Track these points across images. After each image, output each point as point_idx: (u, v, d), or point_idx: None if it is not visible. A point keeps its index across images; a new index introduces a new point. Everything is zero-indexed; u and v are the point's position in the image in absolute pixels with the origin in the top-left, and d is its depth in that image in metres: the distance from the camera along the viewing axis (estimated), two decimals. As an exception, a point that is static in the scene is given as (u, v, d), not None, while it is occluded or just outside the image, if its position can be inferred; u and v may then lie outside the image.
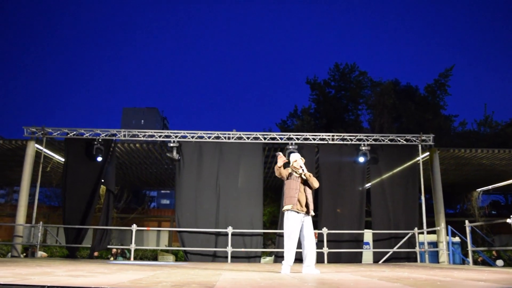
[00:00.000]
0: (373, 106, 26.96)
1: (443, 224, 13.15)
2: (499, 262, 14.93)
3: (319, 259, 12.50)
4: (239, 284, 3.89)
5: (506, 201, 25.57)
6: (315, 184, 6.38)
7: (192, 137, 13.80)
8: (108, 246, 14.16)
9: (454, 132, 27.42)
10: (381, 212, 13.71)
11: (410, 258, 13.28)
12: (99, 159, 13.36)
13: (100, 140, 13.38)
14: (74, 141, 13.72)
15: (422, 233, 13.25)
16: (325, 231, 12.73)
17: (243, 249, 12.83)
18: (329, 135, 14.08)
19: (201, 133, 13.83)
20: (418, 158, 13.98)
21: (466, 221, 11.33)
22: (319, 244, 13.01)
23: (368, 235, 14.95)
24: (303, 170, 6.46)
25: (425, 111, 26.54)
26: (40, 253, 14.24)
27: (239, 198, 13.42)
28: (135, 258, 14.14)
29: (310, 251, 6.23)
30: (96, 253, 14.10)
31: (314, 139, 13.97)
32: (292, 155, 6.87)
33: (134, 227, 12.84)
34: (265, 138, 13.93)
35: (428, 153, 14.15)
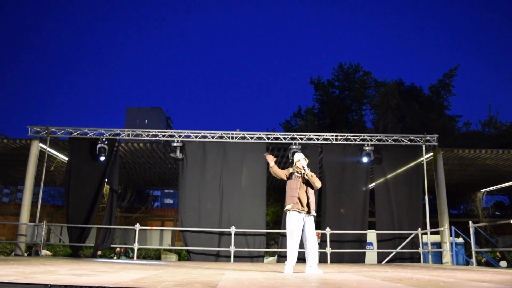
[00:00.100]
0: (377, 106, 26.90)
1: (446, 225, 13.11)
2: (503, 263, 14.86)
3: (322, 259, 12.50)
4: (242, 284, 3.89)
5: (510, 202, 25.46)
6: (317, 184, 6.37)
7: (196, 136, 13.81)
8: (112, 245, 14.19)
9: (458, 132, 27.33)
10: (385, 213, 13.68)
11: (413, 258, 13.25)
12: (103, 158, 13.39)
13: (104, 139, 13.40)
14: (78, 140, 13.75)
15: (426, 233, 13.22)
16: (328, 231, 12.72)
17: (246, 249, 12.83)
18: (332, 135, 14.06)
19: (204, 133, 13.84)
20: (422, 159, 13.94)
21: (470, 222, 11.29)
22: (322, 244, 13.01)
23: (371, 235, 14.91)
24: (305, 170, 6.45)
25: (429, 112, 26.47)
26: (44, 252, 14.28)
27: (242, 198, 13.42)
28: (138, 258, 14.17)
29: (312, 251, 6.22)
30: (99, 252, 14.12)
31: (317, 139, 13.96)
32: (296, 154, 6.87)
33: (138, 227, 12.86)
34: (268, 138, 13.93)
35: (432, 154, 14.11)
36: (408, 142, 14.00)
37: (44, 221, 13.11)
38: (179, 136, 13.66)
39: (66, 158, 14.44)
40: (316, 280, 4.62)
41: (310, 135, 14.05)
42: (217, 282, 3.91)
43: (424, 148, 13.91)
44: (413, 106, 26.45)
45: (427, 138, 13.91)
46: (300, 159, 6.62)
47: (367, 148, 13.51)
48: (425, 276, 5.40)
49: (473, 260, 11.25)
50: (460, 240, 15.87)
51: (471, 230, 11.15)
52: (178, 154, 13.36)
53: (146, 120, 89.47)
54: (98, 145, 13.25)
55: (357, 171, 13.88)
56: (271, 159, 6.57)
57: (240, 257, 12.79)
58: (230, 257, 12.44)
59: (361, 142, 13.85)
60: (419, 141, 13.97)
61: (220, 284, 3.76)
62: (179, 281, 3.87)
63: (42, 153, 13.95)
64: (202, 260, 12.81)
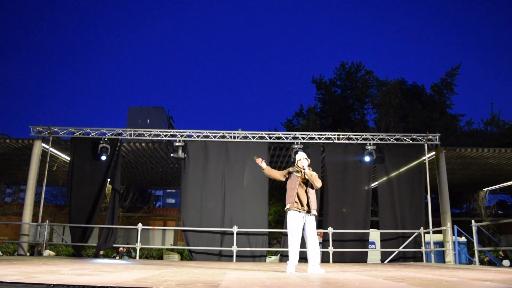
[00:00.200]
0: (379, 106, 26.84)
1: (449, 224, 13.09)
2: (506, 262, 14.84)
3: (325, 258, 12.49)
4: (244, 283, 3.88)
5: (513, 201, 25.41)
6: (317, 184, 6.36)
7: (198, 136, 13.82)
8: (114, 245, 14.20)
9: (460, 131, 27.28)
10: (388, 212, 13.66)
11: (416, 257, 13.24)
12: (105, 158, 13.41)
13: (106, 139, 13.42)
14: (80, 140, 13.77)
15: (428, 232, 13.20)
16: (330, 230, 12.70)
17: (248, 249, 12.83)
18: (334, 135, 14.05)
19: (206, 132, 13.84)
20: (424, 158, 13.92)
21: (473, 221, 11.27)
22: (325, 243, 13.00)
23: (373, 234, 14.91)
24: (304, 169, 6.45)
25: (432, 111, 26.42)
26: (48, 252, 14.30)
27: (244, 197, 13.42)
28: (140, 257, 14.18)
29: (313, 251, 6.22)
30: (101, 252, 14.14)
31: (319, 139, 13.94)
32: (298, 154, 6.87)
33: (140, 226, 12.87)
34: (270, 138, 13.92)
35: (434, 153, 14.09)
36: (410, 141, 13.98)
37: (47, 221, 13.12)
38: (181, 136, 13.67)
39: (69, 158, 14.46)
40: (319, 279, 4.61)
41: (312, 135, 14.03)
42: (219, 282, 3.91)
43: (426, 147, 13.89)
44: (415, 105, 26.40)
45: (429, 137, 13.88)
46: (301, 159, 6.61)
47: (369, 147, 13.49)
48: (427, 275, 5.39)
49: (476, 259, 11.23)
50: (463, 239, 15.86)
51: (474, 229, 11.13)
52: (180, 153, 13.37)
53: (148, 120, 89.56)
54: (100, 145, 13.27)
55: (359, 170, 13.86)
56: (259, 162, 6.64)
57: (242, 257, 12.79)
58: (232, 256, 12.44)
59: (363, 142, 13.83)
60: (421, 140, 13.95)
61: (222, 283, 3.75)
62: (181, 281, 3.87)
63: (44, 153, 13.98)
64: (204, 259, 12.81)
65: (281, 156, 15.63)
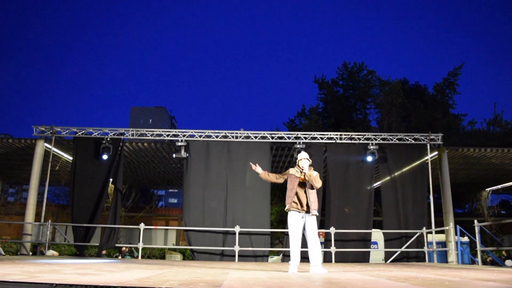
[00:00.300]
0: (381, 105, 26.81)
1: (451, 224, 13.07)
2: (508, 262, 14.81)
3: (327, 258, 12.49)
4: (247, 283, 3.88)
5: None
6: (316, 184, 6.35)
7: (200, 136, 13.82)
8: (116, 245, 14.22)
9: (463, 131, 27.21)
10: (391, 212, 13.64)
11: (419, 257, 13.22)
12: (107, 158, 13.42)
13: (108, 139, 13.44)
14: (82, 140, 13.79)
15: (431, 232, 13.18)
16: (332, 230, 12.69)
17: (250, 248, 12.83)
18: (337, 134, 14.04)
19: (208, 132, 13.84)
20: (426, 158, 13.90)
21: (475, 221, 11.26)
22: (327, 243, 12.99)
23: (375, 234, 14.89)
24: (302, 170, 6.46)
25: (434, 110, 26.37)
26: (52, 252, 14.32)
27: (246, 197, 13.42)
28: (142, 257, 14.18)
29: (314, 251, 6.24)
30: (104, 252, 14.16)
31: (322, 138, 13.93)
32: (299, 154, 6.87)
33: (142, 226, 12.88)
34: (272, 137, 13.92)
35: (436, 153, 14.07)
36: (413, 141, 13.96)
37: (49, 221, 13.15)
38: (183, 136, 13.68)
39: (71, 158, 14.48)
40: (321, 279, 4.61)
41: (314, 134, 14.02)
42: (221, 282, 3.91)
43: (428, 147, 13.86)
44: (418, 105, 26.35)
45: (431, 137, 13.86)
46: (302, 159, 6.61)
47: (371, 147, 13.48)
48: (430, 275, 5.38)
49: (479, 259, 11.21)
50: (466, 239, 15.83)
51: (477, 229, 11.12)
52: (183, 153, 13.38)
53: (151, 120, 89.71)
54: (103, 145, 13.29)
55: (362, 170, 13.84)
56: (254, 167, 6.79)
57: (244, 257, 12.79)
58: (234, 256, 12.44)
59: (366, 141, 13.82)
60: (423, 140, 13.93)
61: (224, 283, 3.75)
62: (183, 281, 3.87)
63: (47, 152, 14.00)
64: (206, 259, 12.82)
65: (283, 156, 15.63)
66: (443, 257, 14.36)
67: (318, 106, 29.17)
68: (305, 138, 13.85)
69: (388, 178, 13.98)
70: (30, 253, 13.49)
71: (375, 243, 15.69)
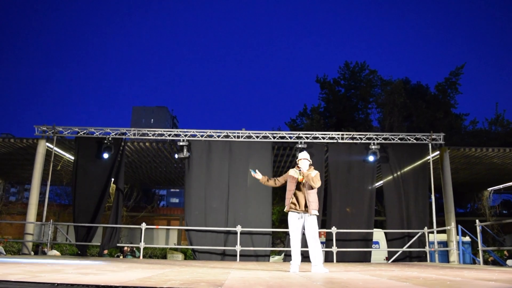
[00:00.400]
0: (383, 105, 26.78)
1: (453, 224, 13.06)
2: (510, 262, 14.78)
3: (328, 258, 12.49)
4: (248, 283, 3.89)
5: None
6: (313, 184, 6.35)
7: (202, 135, 13.82)
8: (118, 244, 14.24)
9: (464, 131, 27.18)
10: (394, 211, 13.64)
11: (421, 257, 13.21)
12: (109, 157, 13.43)
13: (110, 138, 13.44)
14: (84, 139, 13.80)
15: (432, 232, 13.16)
16: (334, 230, 12.69)
17: (252, 248, 12.83)
18: (338, 134, 14.03)
19: (210, 132, 13.84)
20: (428, 157, 13.88)
21: (477, 221, 11.24)
22: (328, 243, 12.99)
23: (377, 234, 14.88)
24: (300, 170, 6.48)
25: (436, 110, 26.32)
26: (54, 252, 14.34)
27: (248, 197, 13.42)
28: (144, 257, 14.20)
29: (314, 251, 6.26)
30: (105, 251, 14.18)
31: (323, 138, 13.92)
32: (299, 154, 6.88)
33: (144, 226, 12.89)
34: (274, 137, 13.91)
35: (438, 152, 14.05)
36: (415, 141, 13.94)
37: (51, 220, 13.17)
38: (185, 135, 13.68)
39: (73, 157, 14.50)
40: (322, 279, 4.61)
41: (315, 134, 14.01)
42: (223, 281, 3.91)
43: (430, 146, 13.84)
44: (420, 105, 26.32)
45: (433, 136, 13.84)
46: (301, 159, 6.62)
47: (373, 147, 13.47)
48: (431, 275, 5.38)
49: (480, 259, 11.19)
50: (467, 239, 15.80)
51: (478, 229, 11.10)
52: (185, 153, 13.38)
53: (152, 120, 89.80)
54: (104, 145, 13.30)
55: (363, 170, 13.83)
56: (253, 175, 7.01)
57: (246, 256, 12.79)
58: (236, 256, 12.44)
59: (367, 141, 13.81)
60: (425, 140, 13.91)
61: (226, 283, 3.75)
62: (185, 280, 3.87)
63: (48, 152, 14.02)
64: (208, 259, 12.83)
65: (284, 155, 15.63)
66: (445, 257, 14.35)
67: (319, 105, 29.16)
68: (307, 137, 13.84)
69: (390, 177, 13.97)
70: (32, 252, 13.51)
71: (377, 242, 15.68)
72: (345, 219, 13.45)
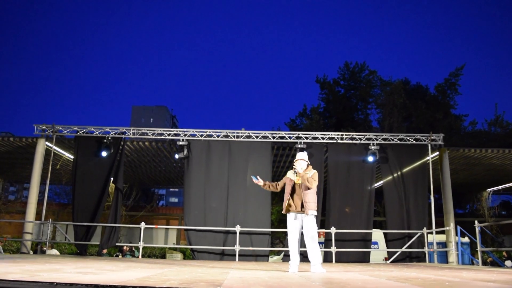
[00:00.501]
0: (382, 106, 26.80)
1: (452, 224, 13.06)
2: (509, 263, 14.81)
3: (327, 258, 12.49)
4: (247, 282, 3.89)
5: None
6: (309, 184, 6.35)
7: (201, 135, 13.82)
8: (117, 244, 14.23)
9: (464, 132, 27.21)
10: (394, 212, 13.63)
11: (420, 257, 13.22)
12: (108, 157, 13.42)
13: (109, 138, 13.43)
14: (83, 139, 13.79)
15: (431, 233, 13.17)
16: (333, 230, 12.69)
17: (251, 248, 12.83)
18: (338, 134, 14.02)
19: (210, 132, 13.84)
20: (427, 158, 13.88)
21: (476, 221, 11.24)
22: (327, 243, 12.99)
23: (376, 234, 14.88)
24: (295, 172, 6.52)
25: (435, 111, 26.36)
26: (55, 251, 14.34)
27: (247, 197, 13.41)
28: (143, 256, 14.20)
29: (312, 251, 6.28)
30: (104, 251, 14.17)
31: (323, 138, 13.92)
32: (297, 154, 6.89)
33: (143, 225, 12.88)
34: (274, 137, 13.91)
35: (437, 153, 14.05)
36: (414, 142, 13.94)
37: (50, 219, 13.16)
38: (185, 135, 13.68)
39: (72, 157, 14.49)
40: (321, 279, 4.61)
41: (315, 134, 14.01)
42: (222, 281, 3.91)
43: (430, 147, 13.84)
44: (419, 105, 26.35)
45: (433, 137, 13.85)
46: (298, 159, 6.64)
47: (372, 147, 13.46)
48: (430, 275, 5.38)
49: (479, 259, 11.20)
50: (466, 239, 15.83)
51: (477, 230, 11.11)
52: (185, 152, 13.38)
53: (152, 119, 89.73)
54: (104, 144, 13.29)
55: (363, 170, 13.83)
56: (255, 182, 7.00)
57: (245, 256, 12.79)
58: (235, 256, 12.43)
59: (367, 141, 13.81)
60: (425, 141, 13.91)
61: (225, 283, 3.76)
62: (184, 280, 3.88)
63: (48, 151, 14.01)
64: (207, 259, 12.82)
65: (284, 155, 15.63)
66: (444, 258, 14.35)
67: (319, 106, 29.19)
68: (306, 138, 13.84)
69: (389, 178, 13.96)
70: (31, 252, 13.50)
71: (376, 243, 15.69)
72: (344, 219, 13.45)
